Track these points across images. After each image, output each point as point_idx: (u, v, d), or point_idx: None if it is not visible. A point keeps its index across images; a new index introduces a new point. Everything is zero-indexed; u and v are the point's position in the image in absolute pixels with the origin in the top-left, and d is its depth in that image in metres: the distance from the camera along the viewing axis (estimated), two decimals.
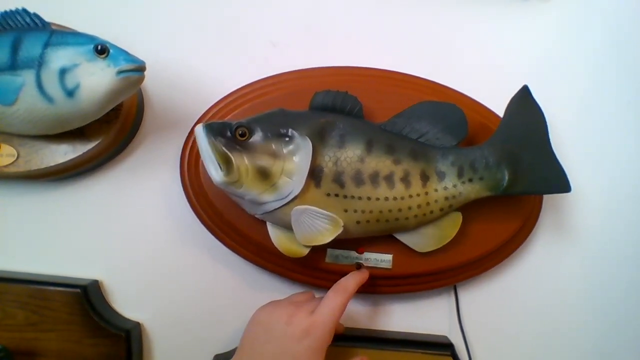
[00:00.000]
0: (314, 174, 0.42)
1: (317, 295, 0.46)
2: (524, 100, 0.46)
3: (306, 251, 0.44)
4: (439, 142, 0.45)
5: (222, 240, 0.48)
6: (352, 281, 0.43)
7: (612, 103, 0.54)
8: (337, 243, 0.44)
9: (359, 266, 0.47)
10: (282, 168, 0.41)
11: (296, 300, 0.43)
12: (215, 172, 0.39)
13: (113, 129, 0.47)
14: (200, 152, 0.40)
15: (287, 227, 0.43)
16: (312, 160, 0.41)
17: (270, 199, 0.41)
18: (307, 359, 0.39)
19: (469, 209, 0.46)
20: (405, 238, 0.46)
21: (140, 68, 0.41)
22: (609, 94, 0.54)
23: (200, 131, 0.40)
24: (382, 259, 0.48)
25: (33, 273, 0.50)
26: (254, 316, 0.42)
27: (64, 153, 0.46)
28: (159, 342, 0.51)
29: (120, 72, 0.40)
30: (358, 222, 0.43)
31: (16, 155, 0.46)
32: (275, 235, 0.44)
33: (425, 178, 0.44)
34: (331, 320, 0.40)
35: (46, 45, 0.41)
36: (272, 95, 0.48)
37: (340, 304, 0.41)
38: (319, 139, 0.42)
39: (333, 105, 0.44)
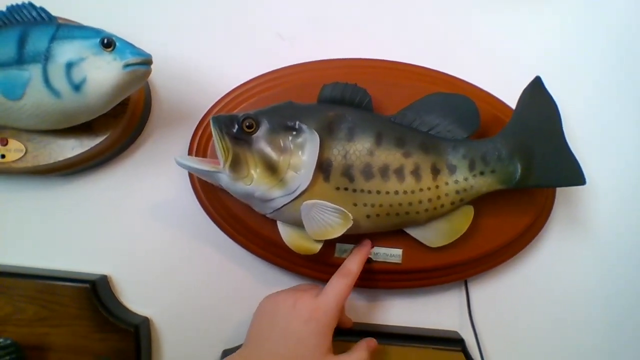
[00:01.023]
0: (323, 168, 0.41)
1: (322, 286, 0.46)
2: (536, 91, 0.45)
3: (318, 247, 0.43)
4: (450, 135, 0.44)
5: (230, 235, 0.48)
6: (354, 263, 0.43)
7: (626, 94, 0.53)
8: (346, 238, 0.44)
9: (368, 261, 0.47)
10: (289, 162, 0.41)
11: (300, 289, 0.43)
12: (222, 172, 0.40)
13: (120, 123, 0.47)
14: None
15: (298, 224, 0.42)
16: (320, 154, 0.41)
17: (278, 194, 0.41)
18: (314, 342, 0.39)
19: (481, 202, 0.45)
20: (416, 232, 0.45)
21: (146, 61, 0.41)
22: (623, 85, 0.53)
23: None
24: (391, 254, 0.47)
25: (42, 268, 0.50)
26: (259, 306, 0.43)
27: (71, 148, 0.46)
28: (168, 337, 0.51)
29: (126, 65, 0.40)
30: (368, 216, 0.43)
31: (24, 150, 0.46)
32: (287, 234, 0.44)
33: (436, 171, 0.43)
34: (335, 303, 0.40)
35: (52, 39, 0.40)
36: (280, 88, 0.48)
37: (344, 286, 0.41)
38: (327, 132, 0.42)
39: (342, 98, 0.43)
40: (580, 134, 0.52)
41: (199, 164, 0.41)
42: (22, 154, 0.46)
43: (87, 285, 0.47)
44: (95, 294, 0.47)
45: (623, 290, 0.52)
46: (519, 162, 0.43)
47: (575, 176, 0.44)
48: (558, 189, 0.50)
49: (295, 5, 0.52)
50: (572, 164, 0.44)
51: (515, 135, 0.44)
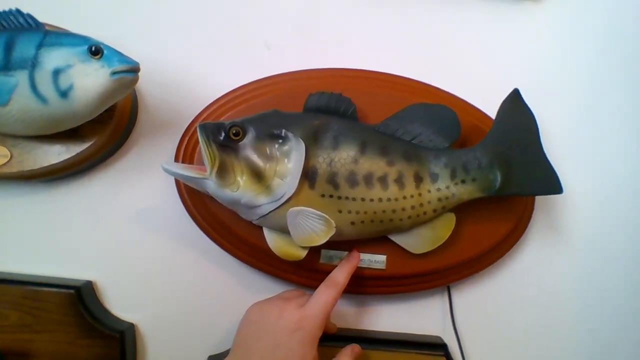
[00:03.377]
0: (308, 175, 0.42)
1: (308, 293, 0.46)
2: (515, 103, 0.46)
3: (304, 254, 0.44)
4: (432, 144, 0.45)
5: (215, 241, 0.48)
6: (342, 274, 0.43)
7: (604, 105, 0.55)
8: (331, 244, 0.44)
9: None
10: (275, 170, 0.41)
11: (286, 297, 0.44)
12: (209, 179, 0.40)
13: (107, 130, 0.47)
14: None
15: (284, 230, 0.43)
16: (306, 162, 0.42)
17: (264, 201, 0.41)
18: (300, 352, 0.39)
19: (462, 210, 0.46)
20: (399, 239, 0.46)
21: (134, 69, 0.41)
22: (602, 95, 0.55)
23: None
24: (375, 260, 0.48)
25: (27, 274, 0.50)
26: (245, 315, 0.43)
27: (57, 154, 0.46)
28: (153, 343, 0.51)
29: (114, 73, 0.40)
30: (352, 223, 0.43)
31: (9, 155, 0.46)
32: (272, 240, 0.44)
33: (418, 179, 0.44)
34: (322, 313, 0.40)
35: (40, 45, 0.40)
36: (266, 97, 0.48)
37: (331, 297, 0.41)
38: (312, 141, 0.42)
39: (327, 107, 0.44)
40: (559, 143, 0.53)
41: (186, 171, 0.42)
42: (7, 160, 0.46)
43: (72, 291, 0.47)
44: (80, 300, 0.47)
45: (601, 295, 0.54)
46: (498, 171, 0.44)
47: (553, 185, 0.45)
48: (537, 197, 0.51)
49: (282, 16, 0.53)
50: (550, 173, 0.45)
51: (495, 145, 0.45)
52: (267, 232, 0.45)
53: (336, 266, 0.45)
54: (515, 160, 0.44)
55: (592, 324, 0.54)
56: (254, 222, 0.44)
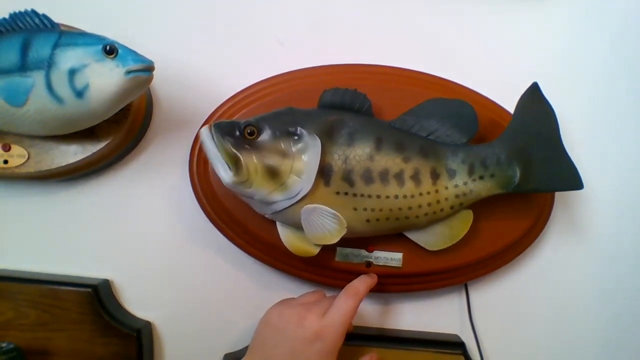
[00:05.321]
0: (323, 173, 0.42)
1: (328, 294, 0.46)
2: (534, 97, 0.45)
3: (316, 250, 0.43)
4: (449, 140, 0.44)
5: (231, 240, 0.48)
6: (363, 285, 0.43)
7: (624, 99, 0.53)
8: (347, 242, 0.44)
9: (368, 265, 0.47)
10: (291, 167, 0.41)
11: (307, 301, 0.43)
12: (224, 173, 0.39)
13: (122, 129, 0.47)
14: (207, 154, 0.40)
15: (297, 226, 0.43)
16: (321, 159, 0.41)
17: (279, 198, 0.41)
18: None
19: (480, 206, 0.45)
20: (415, 236, 0.46)
21: (148, 68, 0.41)
22: (621, 90, 0.54)
23: (205, 133, 0.40)
24: (392, 258, 0.47)
25: (44, 273, 0.50)
26: (264, 317, 0.42)
27: (74, 153, 0.47)
28: (170, 341, 0.51)
29: (129, 72, 0.40)
30: (368, 221, 0.43)
31: (27, 156, 0.46)
32: (285, 235, 0.44)
33: (435, 176, 0.43)
34: (342, 324, 0.40)
35: (55, 46, 0.41)
36: (280, 94, 0.48)
37: (351, 307, 0.41)
38: (327, 137, 0.42)
39: (342, 103, 0.44)
40: (579, 138, 0.52)
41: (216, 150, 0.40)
42: (24, 160, 0.46)
43: (90, 289, 0.47)
44: (98, 298, 0.48)
45: (622, 293, 0.53)
46: (517, 167, 0.43)
47: (573, 181, 0.44)
48: (557, 194, 0.50)
49: (295, 12, 0.53)
50: (570, 169, 0.44)
51: (514, 140, 0.44)
52: (280, 227, 0.44)
53: (352, 264, 0.45)
54: (535, 156, 0.44)
55: (612, 322, 0.53)
56: (267, 216, 0.44)
